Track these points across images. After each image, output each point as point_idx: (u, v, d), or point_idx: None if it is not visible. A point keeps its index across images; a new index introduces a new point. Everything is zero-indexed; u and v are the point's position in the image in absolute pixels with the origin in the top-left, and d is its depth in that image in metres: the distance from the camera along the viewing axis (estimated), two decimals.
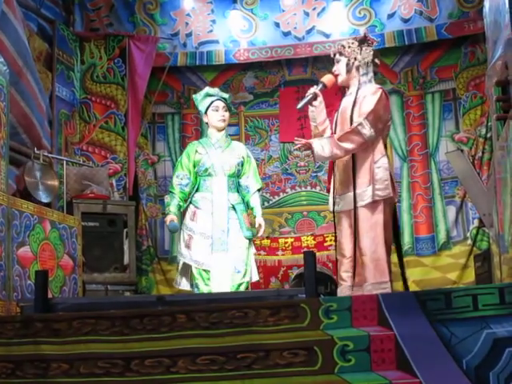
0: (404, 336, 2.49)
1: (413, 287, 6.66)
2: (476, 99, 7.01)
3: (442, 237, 6.96)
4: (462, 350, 2.44)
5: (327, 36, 7.28)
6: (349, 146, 4.41)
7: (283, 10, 7.36)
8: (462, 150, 6.68)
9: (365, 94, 4.50)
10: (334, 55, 4.66)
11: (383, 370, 2.47)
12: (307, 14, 7.31)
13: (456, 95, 7.18)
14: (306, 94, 4.58)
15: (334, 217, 4.64)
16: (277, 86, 7.59)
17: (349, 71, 4.56)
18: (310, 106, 4.61)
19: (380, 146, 4.53)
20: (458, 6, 6.96)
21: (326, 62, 7.48)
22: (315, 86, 4.58)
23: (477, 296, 2.50)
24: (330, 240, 6.73)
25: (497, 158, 3.98)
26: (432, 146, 7.19)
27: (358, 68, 4.57)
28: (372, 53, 4.61)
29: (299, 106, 4.61)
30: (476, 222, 6.80)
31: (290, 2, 7.29)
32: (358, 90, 4.54)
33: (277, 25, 7.37)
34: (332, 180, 4.69)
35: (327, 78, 4.62)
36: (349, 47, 4.58)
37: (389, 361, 2.48)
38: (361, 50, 4.57)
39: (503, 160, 3.52)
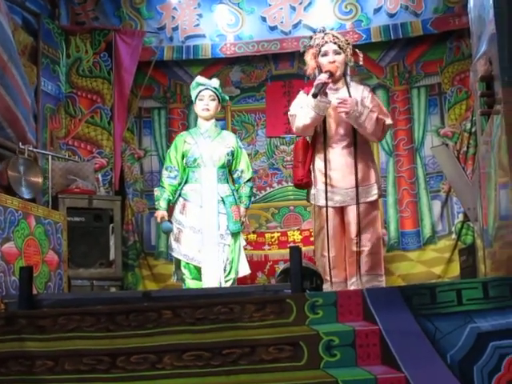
0: (389, 331, 2.50)
1: (398, 281, 6.68)
2: (461, 94, 7.04)
3: (427, 231, 6.99)
4: (446, 345, 2.45)
5: (314, 30, 7.22)
6: (376, 131, 4.72)
7: (269, 5, 7.35)
8: (447, 145, 6.73)
9: (363, 95, 4.65)
10: (326, 40, 4.75)
11: (368, 364, 2.48)
12: (294, 9, 7.32)
13: (441, 90, 7.20)
14: (316, 82, 4.59)
15: (326, 211, 4.65)
16: (263, 80, 7.59)
17: (344, 69, 4.69)
18: (325, 98, 4.60)
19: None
20: (444, 1, 6.99)
21: None
22: (325, 75, 4.59)
23: (461, 291, 2.51)
24: None
25: (481, 153, 3.99)
26: (417, 140, 7.21)
27: (348, 69, 4.75)
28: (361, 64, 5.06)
29: (315, 92, 4.57)
30: (461, 217, 6.83)
31: None
32: (348, 88, 4.65)
33: (263, 19, 7.36)
34: (316, 174, 4.71)
35: (332, 67, 4.67)
36: (348, 44, 4.74)
37: (374, 356, 2.49)
38: (357, 56, 4.75)
39: (487, 155, 3.54)
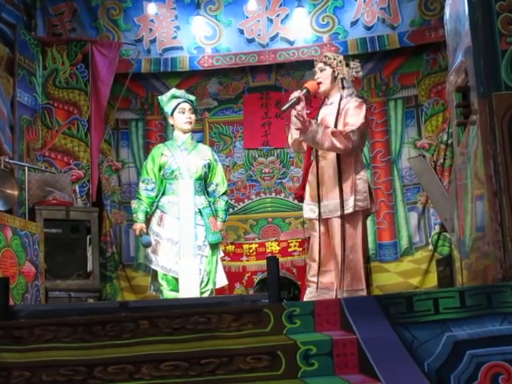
0: (366, 340, 2.51)
1: (376, 292, 6.69)
2: (438, 106, 7.10)
3: (404, 243, 7.04)
4: (423, 353, 2.46)
5: (291, 43, 7.32)
6: (337, 144, 4.40)
7: (247, 17, 7.38)
8: (423, 156, 6.77)
9: (348, 106, 4.55)
10: (316, 63, 4.73)
11: (346, 373, 2.48)
12: (271, 21, 7.35)
13: (418, 102, 7.27)
14: (290, 98, 4.57)
15: (319, 223, 4.65)
16: (241, 92, 7.61)
17: (333, 81, 4.62)
18: (293, 110, 4.59)
19: (361, 158, 4.68)
20: (420, 14, 7.06)
21: (289, 69, 7.56)
22: (299, 91, 4.58)
23: (438, 299, 2.53)
24: (294, 246, 6.74)
25: (457, 165, 4.03)
26: (394, 152, 7.26)
27: (342, 80, 4.64)
28: (360, 69, 4.68)
29: (284, 108, 4.56)
30: (437, 228, 6.88)
31: (254, 8, 7.32)
32: (340, 102, 4.60)
33: (241, 31, 7.38)
34: (306, 188, 4.73)
35: (310, 84, 4.65)
36: (334, 59, 4.65)
37: (352, 365, 2.49)
38: (348, 65, 4.65)
39: (464, 166, 3.57)
